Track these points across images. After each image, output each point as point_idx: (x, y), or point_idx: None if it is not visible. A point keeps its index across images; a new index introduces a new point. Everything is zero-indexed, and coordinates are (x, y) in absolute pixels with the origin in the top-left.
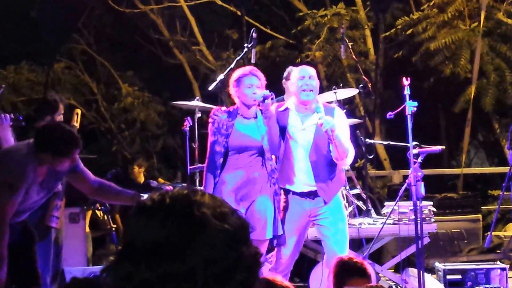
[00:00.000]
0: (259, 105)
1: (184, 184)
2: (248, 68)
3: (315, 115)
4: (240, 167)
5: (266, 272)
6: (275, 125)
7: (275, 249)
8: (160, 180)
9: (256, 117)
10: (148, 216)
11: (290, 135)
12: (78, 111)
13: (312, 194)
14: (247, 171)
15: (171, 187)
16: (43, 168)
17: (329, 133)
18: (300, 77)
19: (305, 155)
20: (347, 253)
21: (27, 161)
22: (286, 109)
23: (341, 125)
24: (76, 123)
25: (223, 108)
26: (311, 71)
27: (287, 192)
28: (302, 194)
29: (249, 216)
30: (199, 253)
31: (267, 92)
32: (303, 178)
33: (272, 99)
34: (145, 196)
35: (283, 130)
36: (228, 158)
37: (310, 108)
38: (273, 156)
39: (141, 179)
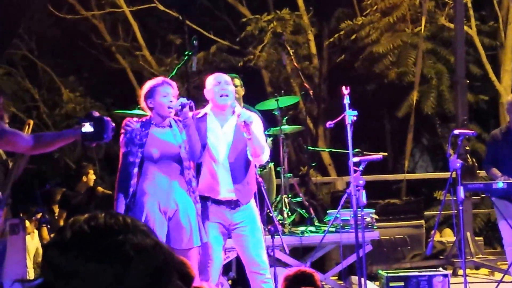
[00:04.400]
0: (176, 114)
1: None
2: (160, 78)
3: (233, 117)
4: (158, 176)
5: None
6: (195, 132)
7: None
8: (99, 189)
9: (170, 126)
10: (67, 253)
11: (210, 140)
12: (30, 121)
13: (232, 204)
14: (165, 180)
15: (109, 118)
16: None
17: (247, 122)
18: (216, 83)
19: (224, 157)
20: (265, 260)
21: None
22: (204, 114)
23: (258, 126)
24: (27, 133)
25: (135, 118)
26: (226, 77)
27: (206, 199)
28: (222, 202)
29: (174, 225)
30: None
31: (185, 100)
32: (222, 183)
33: (190, 107)
34: (87, 124)
35: (203, 136)
36: (144, 168)
37: (227, 113)
38: (192, 164)
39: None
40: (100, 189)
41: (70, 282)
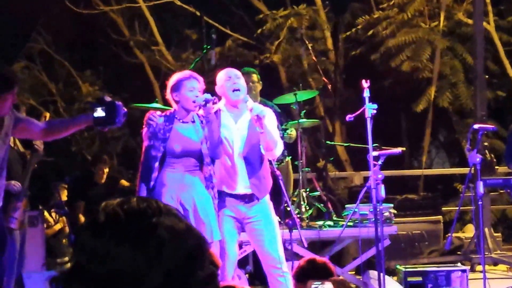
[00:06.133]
0: (199, 109)
1: None
2: (187, 72)
3: (246, 112)
4: (178, 171)
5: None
6: (217, 129)
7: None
8: (123, 182)
9: (193, 121)
10: (100, 236)
11: (224, 135)
12: (47, 114)
13: (246, 198)
14: (185, 175)
15: (120, 103)
16: None
17: (260, 116)
18: (226, 78)
19: (239, 152)
20: (281, 254)
21: None
22: (218, 110)
23: (271, 120)
24: None
25: (158, 112)
26: (237, 71)
27: (220, 193)
28: (237, 197)
29: (194, 220)
30: (154, 280)
31: (209, 96)
32: (238, 178)
33: (214, 103)
34: (99, 109)
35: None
36: (166, 162)
37: (241, 107)
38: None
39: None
40: (124, 182)
41: (103, 265)
